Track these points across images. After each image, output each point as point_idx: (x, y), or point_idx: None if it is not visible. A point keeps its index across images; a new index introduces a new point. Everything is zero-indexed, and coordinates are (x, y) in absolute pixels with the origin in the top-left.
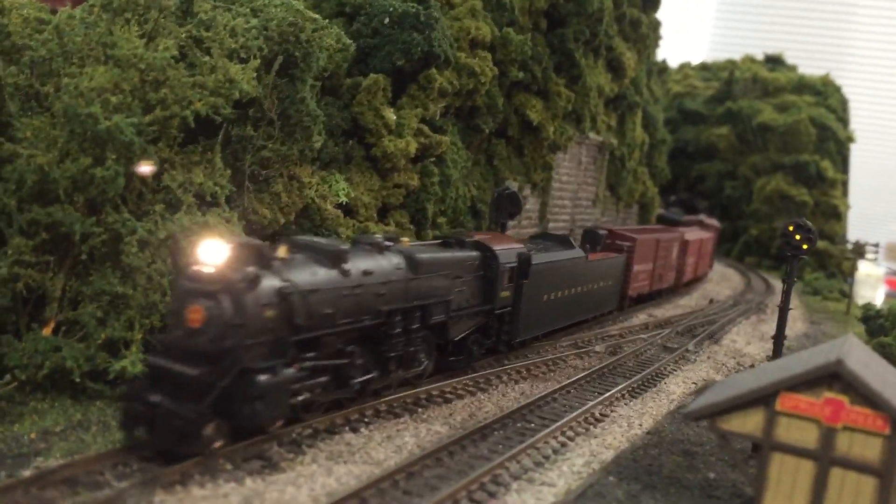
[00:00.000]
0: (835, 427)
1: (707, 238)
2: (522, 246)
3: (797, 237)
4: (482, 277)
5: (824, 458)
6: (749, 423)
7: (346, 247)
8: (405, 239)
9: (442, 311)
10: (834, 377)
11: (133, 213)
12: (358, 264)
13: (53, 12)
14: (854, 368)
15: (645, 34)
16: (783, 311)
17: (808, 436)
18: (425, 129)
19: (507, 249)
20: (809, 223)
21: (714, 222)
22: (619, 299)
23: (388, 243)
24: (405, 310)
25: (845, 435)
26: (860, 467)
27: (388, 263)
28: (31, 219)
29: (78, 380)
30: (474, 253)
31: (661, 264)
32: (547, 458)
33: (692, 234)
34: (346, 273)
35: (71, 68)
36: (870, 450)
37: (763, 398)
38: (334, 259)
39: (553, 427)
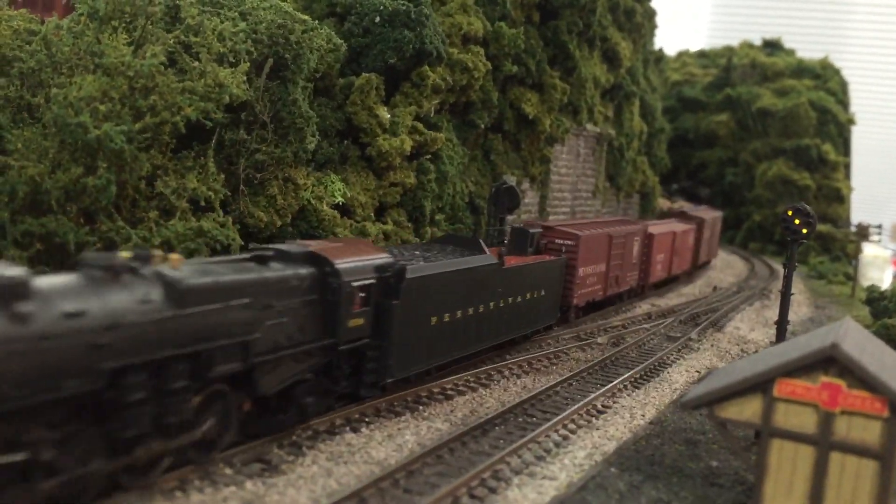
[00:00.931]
0: (833, 411)
1: (685, 231)
2: (389, 255)
3: (797, 222)
4: (317, 302)
5: (823, 442)
6: (747, 410)
7: (22, 277)
8: (175, 256)
9: (235, 358)
10: (830, 361)
11: (127, 221)
12: (55, 303)
13: (43, 23)
14: (850, 352)
15: (640, 23)
16: (785, 296)
17: (806, 421)
18: (420, 126)
19: (357, 262)
20: (808, 207)
21: (702, 214)
22: (559, 311)
23: (134, 264)
24: (155, 363)
25: (844, 419)
26: (860, 451)
27: (123, 297)
28: (24, 230)
29: None
30: (302, 270)
31: (618, 264)
32: (548, 451)
33: (660, 228)
34: (21, 319)
35: (60, 78)
36: (869, 433)
37: (760, 384)
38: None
39: (555, 420)
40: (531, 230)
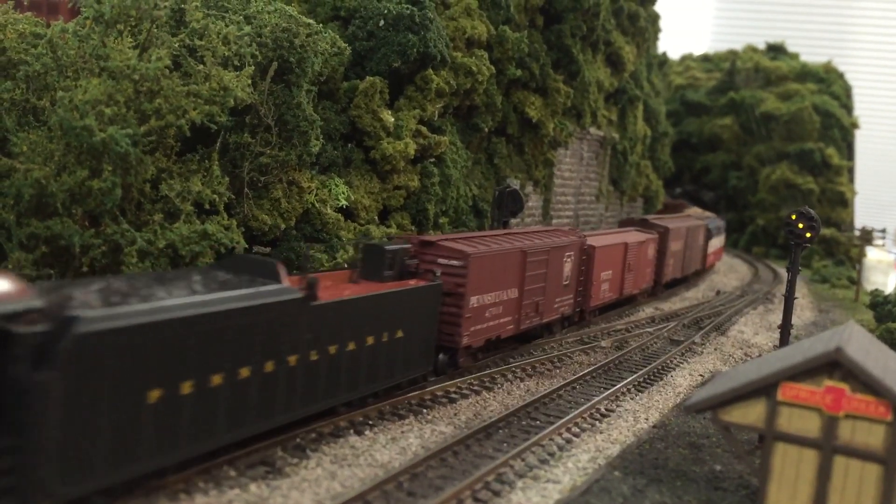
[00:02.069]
0: (836, 415)
1: (642, 243)
2: (31, 295)
3: (800, 226)
4: None
5: (827, 446)
6: (751, 414)
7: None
8: None
9: None
10: (834, 365)
11: (132, 224)
12: None
13: (48, 26)
14: (854, 356)
15: (643, 27)
16: (788, 300)
17: (810, 425)
18: (424, 129)
19: None
20: (812, 211)
21: (671, 221)
22: (435, 356)
23: None
24: None
25: (847, 423)
26: (863, 455)
27: None
28: (30, 233)
29: None
30: None
31: (538, 288)
32: (552, 454)
33: (604, 240)
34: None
35: (65, 82)
36: (873, 437)
37: (764, 388)
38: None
39: (558, 424)
40: (390, 247)
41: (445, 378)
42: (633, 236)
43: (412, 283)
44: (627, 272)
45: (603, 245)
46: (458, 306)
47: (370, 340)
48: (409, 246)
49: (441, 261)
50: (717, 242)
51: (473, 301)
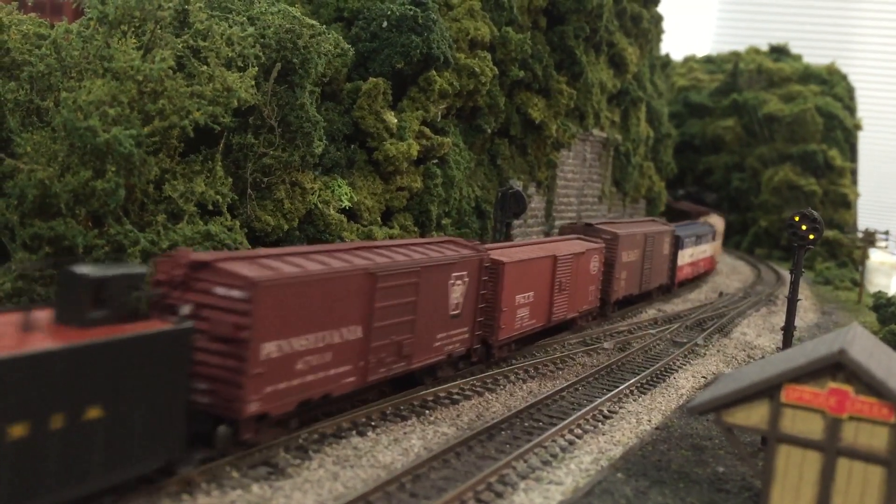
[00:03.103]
0: (840, 417)
1: (583, 254)
2: None
3: (803, 227)
4: None
5: (830, 448)
6: (754, 415)
7: None
8: None
9: None
10: (838, 367)
11: (135, 225)
12: None
13: (52, 27)
14: (858, 358)
15: (646, 29)
16: (791, 302)
17: (813, 427)
18: (427, 130)
19: None
20: (815, 213)
21: (625, 227)
22: (213, 426)
23: None
24: None
25: (851, 425)
26: (867, 457)
27: None
28: (33, 233)
29: None
30: None
31: (402, 323)
32: (555, 456)
33: (522, 253)
34: None
35: (69, 82)
36: (876, 439)
37: (767, 390)
38: None
39: (561, 425)
40: (100, 273)
41: (447, 380)
42: (567, 246)
43: (141, 326)
44: (558, 292)
45: (517, 260)
46: (238, 357)
47: (18, 431)
48: (140, 271)
49: (219, 290)
50: (696, 251)
51: (269, 349)
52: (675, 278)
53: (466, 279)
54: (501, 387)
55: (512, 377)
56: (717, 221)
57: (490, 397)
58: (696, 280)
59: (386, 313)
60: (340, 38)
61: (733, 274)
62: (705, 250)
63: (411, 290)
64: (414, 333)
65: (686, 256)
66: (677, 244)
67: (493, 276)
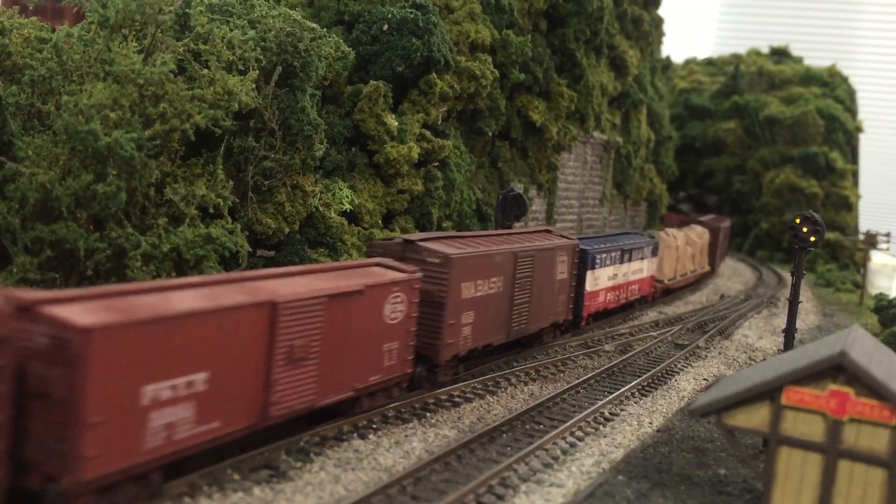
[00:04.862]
0: (841, 419)
1: (363, 298)
2: None
3: (804, 230)
4: None
5: (832, 451)
6: (755, 417)
7: None
8: None
9: None
10: (838, 369)
11: (136, 228)
12: None
13: (53, 31)
14: (858, 360)
15: (647, 31)
16: (793, 304)
17: (814, 429)
18: (427, 133)
19: None
20: (816, 215)
21: (473, 244)
22: None
23: None
24: None
25: (852, 427)
26: (868, 459)
27: None
28: (35, 236)
29: None
30: None
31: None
32: (556, 458)
33: (158, 307)
34: None
35: (70, 86)
36: (877, 441)
37: (768, 392)
38: None
39: (562, 427)
40: None
41: (448, 382)
42: (314, 283)
43: None
44: (286, 368)
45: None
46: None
47: None
48: None
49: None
50: (622, 271)
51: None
52: (582, 309)
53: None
54: (502, 389)
55: (513, 379)
56: (699, 232)
57: (491, 400)
58: (626, 308)
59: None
60: (341, 41)
61: (735, 276)
62: (639, 269)
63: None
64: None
65: (602, 279)
66: (584, 263)
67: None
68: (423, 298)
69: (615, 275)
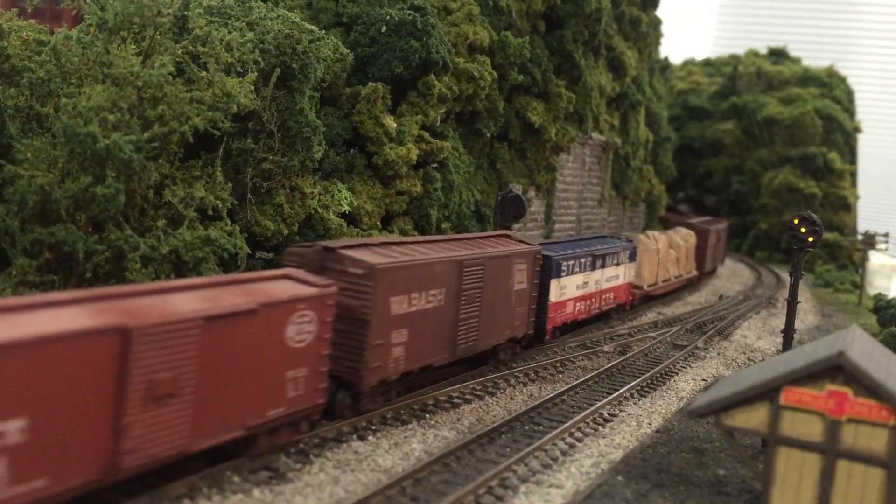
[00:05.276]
0: (839, 419)
1: (241, 323)
2: None
3: (802, 230)
4: None
5: (830, 451)
6: (753, 418)
7: None
8: None
9: None
10: (836, 369)
11: (135, 230)
12: None
13: (52, 33)
14: (856, 360)
15: (645, 32)
16: (791, 304)
17: (813, 429)
18: (426, 135)
19: None
20: (814, 216)
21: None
22: None
23: None
24: None
25: (850, 427)
26: (867, 459)
27: None
28: (34, 239)
29: None
30: None
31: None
32: (555, 459)
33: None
34: None
35: (69, 88)
36: (876, 441)
37: (767, 393)
38: None
39: (561, 428)
40: None
41: (448, 384)
42: (189, 303)
43: None
44: (146, 408)
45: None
46: None
47: None
48: None
49: None
50: (594, 279)
51: None
52: (545, 322)
53: None
54: (501, 390)
55: (512, 380)
56: (684, 235)
57: (490, 401)
58: (601, 317)
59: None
60: (339, 43)
61: (733, 277)
62: (614, 276)
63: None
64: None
65: (570, 288)
66: (548, 271)
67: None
68: (344, 315)
69: (585, 283)
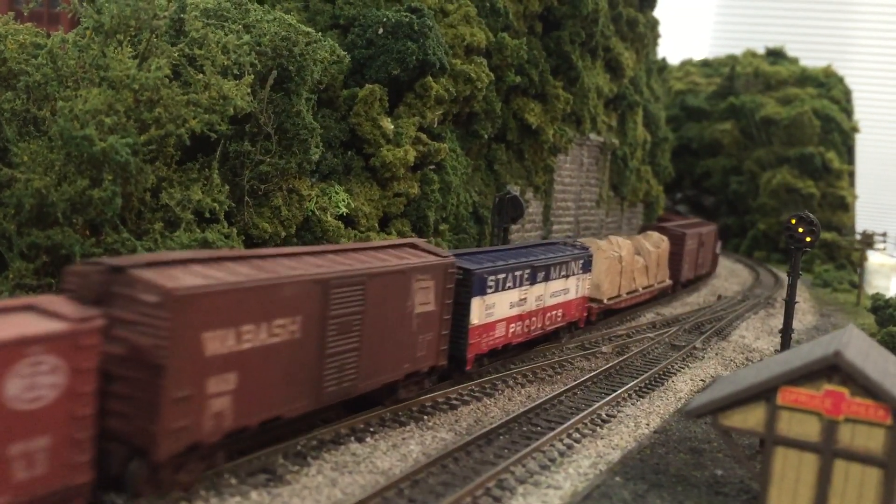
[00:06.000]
0: (836, 419)
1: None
2: None
3: (800, 230)
4: None
5: (827, 450)
6: (751, 418)
7: None
8: None
9: None
10: (833, 369)
11: (132, 233)
12: None
13: (49, 37)
14: (853, 360)
15: (643, 33)
16: (789, 304)
17: (810, 429)
18: (423, 136)
19: None
20: (812, 216)
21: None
22: None
23: None
24: None
25: (847, 427)
26: (863, 459)
27: None
28: (30, 242)
29: None
30: None
31: None
32: (553, 460)
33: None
34: None
35: (66, 92)
36: (873, 441)
37: (763, 393)
38: None
39: (559, 429)
40: None
41: (446, 385)
42: None
43: None
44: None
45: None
46: None
47: None
48: None
49: None
50: (534, 294)
51: None
52: (465, 349)
53: None
54: (500, 391)
55: (510, 382)
56: (655, 240)
57: (488, 402)
58: (546, 340)
59: None
60: (336, 45)
61: (732, 277)
62: (563, 289)
63: None
64: None
65: (500, 306)
66: (468, 287)
67: None
68: (134, 358)
69: (522, 299)
